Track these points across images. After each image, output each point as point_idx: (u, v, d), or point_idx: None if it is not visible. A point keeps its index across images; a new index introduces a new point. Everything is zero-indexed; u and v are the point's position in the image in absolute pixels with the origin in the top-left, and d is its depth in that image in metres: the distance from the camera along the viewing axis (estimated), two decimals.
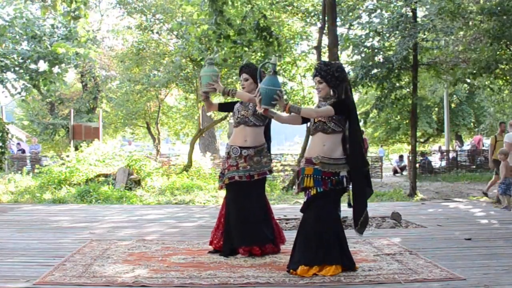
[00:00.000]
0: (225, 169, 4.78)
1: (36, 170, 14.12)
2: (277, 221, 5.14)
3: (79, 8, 7.95)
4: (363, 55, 10.88)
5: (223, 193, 10.67)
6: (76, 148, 14.51)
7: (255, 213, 4.68)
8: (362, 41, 10.91)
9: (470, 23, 10.20)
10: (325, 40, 10.55)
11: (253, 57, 14.33)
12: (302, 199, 4.32)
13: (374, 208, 8.47)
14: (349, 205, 4.22)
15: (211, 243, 4.87)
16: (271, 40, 8.75)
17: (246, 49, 9.20)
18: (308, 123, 4.33)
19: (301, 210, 4.20)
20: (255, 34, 8.64)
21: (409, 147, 15.34)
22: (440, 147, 23.49)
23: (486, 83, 13.33)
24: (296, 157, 16.32)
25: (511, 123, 9.32)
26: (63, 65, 13.38)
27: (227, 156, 4.79)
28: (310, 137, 4.28)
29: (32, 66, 13.08)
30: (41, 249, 4.97)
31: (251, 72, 4.80)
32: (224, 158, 4.89)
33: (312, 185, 4.04)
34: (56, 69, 13.37)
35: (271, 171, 4.86)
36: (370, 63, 10.75)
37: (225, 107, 5.22)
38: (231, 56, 9.32)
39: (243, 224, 4.63)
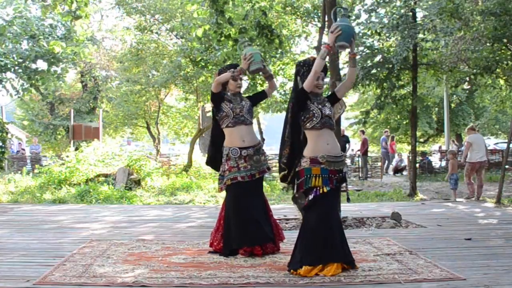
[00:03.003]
0: (225, 171, 4.75)
1: (36, 170, 14.13)
2: (277, 221, 5.14)
3: (80, 8, 7.95)
4: (362, 54, 10.88)
5: (223, 194, 10.68)
6: (76, 148, 14.52)
7: (256, 212, 4.68)
8: (362, 41, 10.90)
9: (470, 23, 10.19)
10: (325, 39, 10.54)
11: None
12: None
13: (374, 208, 8.48)
14: (348, 200, 4.28)
15: (211, 244, 4.86)
16: (272, 38, 8.74)
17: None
18: (314, 118, 4.11)
19: (304, 209, 4.20)
20: (256, 32, 8.64)
21: (409, 147, 15.32)
22: (440, 147, 23.45)
23: (488, 82, 13.34)
24: None
25: (471, 127, 10.45)
26: (61, 64, 13.38)
27: (226, 158, 4.75)
28: (313, 134, 4.14)
29: (31, 65, 13.09)
30: (41, 249, 4.97)
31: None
32: (223, 160, 4.83)
33: (321, 184, 4.05)
34: (54, 68, 13.38)
35: (269, 169, 4.90)
36: (370, 63, 10.75)
37: (218, 98, 4.82)
38: (233, 54, 9.32)
39: (245, 224, 4.62)
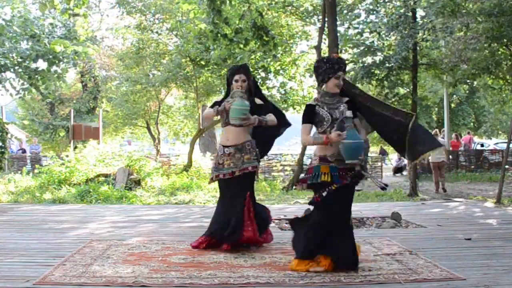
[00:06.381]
0: (214, 166, 5.02)
1: (36, 170, 14.12)
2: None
3: (77, 5, 7.96)
4: (359, 50, 10.92)
5: None
6: (75, 148, 14.52)
7: (235, 210, 4.80)
8: (362, 41, 10.91)
9: (470, 25, 10.19)
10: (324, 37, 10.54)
11: (252, 57, 14.34)
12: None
13: (374, 208, 8.47)
14: (383, 189, 4.30)
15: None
16: (267, 39, 8.74)
17: (242, 47, 9.21)
18: (324, 122, 4.16)
19: (312, 204, 4.20)
20: (252, 32, 8.64)
21: None
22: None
23: (488, 82, 13.39)
24: (296, 157, 16.31)
25: (435, 133, 12.73)
26: (62, 64, 13.36)
27: (217, 154, 5.05)
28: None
29: (32, 65, 13.07)
30: (41, 249, 4.96)
31: (248, 72, 4.98)
32: (216, 156, 5.11)
33: (331, 181, 4.05)
34: (55, 68, 13.36)
35: (255, 167, 4.87)
36: (370, 60, 10.77)
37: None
38: (226, 54, 9.33)
39: (223, 218, 4.85)
